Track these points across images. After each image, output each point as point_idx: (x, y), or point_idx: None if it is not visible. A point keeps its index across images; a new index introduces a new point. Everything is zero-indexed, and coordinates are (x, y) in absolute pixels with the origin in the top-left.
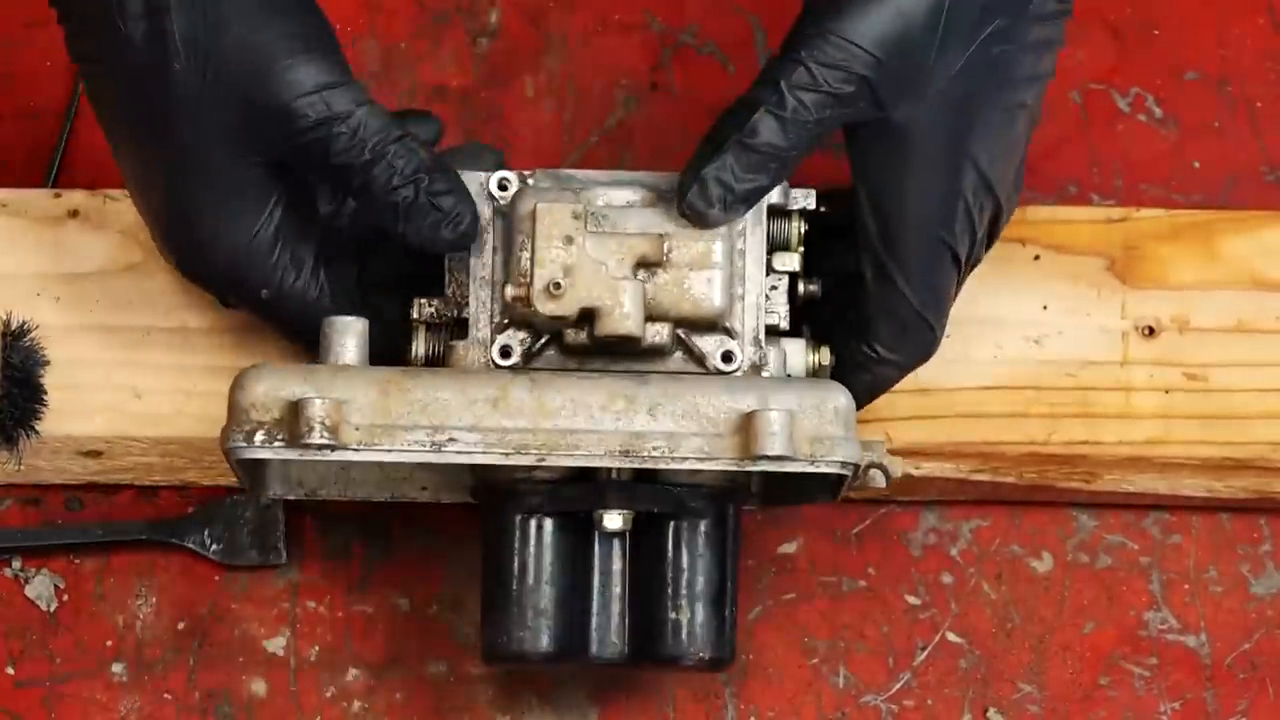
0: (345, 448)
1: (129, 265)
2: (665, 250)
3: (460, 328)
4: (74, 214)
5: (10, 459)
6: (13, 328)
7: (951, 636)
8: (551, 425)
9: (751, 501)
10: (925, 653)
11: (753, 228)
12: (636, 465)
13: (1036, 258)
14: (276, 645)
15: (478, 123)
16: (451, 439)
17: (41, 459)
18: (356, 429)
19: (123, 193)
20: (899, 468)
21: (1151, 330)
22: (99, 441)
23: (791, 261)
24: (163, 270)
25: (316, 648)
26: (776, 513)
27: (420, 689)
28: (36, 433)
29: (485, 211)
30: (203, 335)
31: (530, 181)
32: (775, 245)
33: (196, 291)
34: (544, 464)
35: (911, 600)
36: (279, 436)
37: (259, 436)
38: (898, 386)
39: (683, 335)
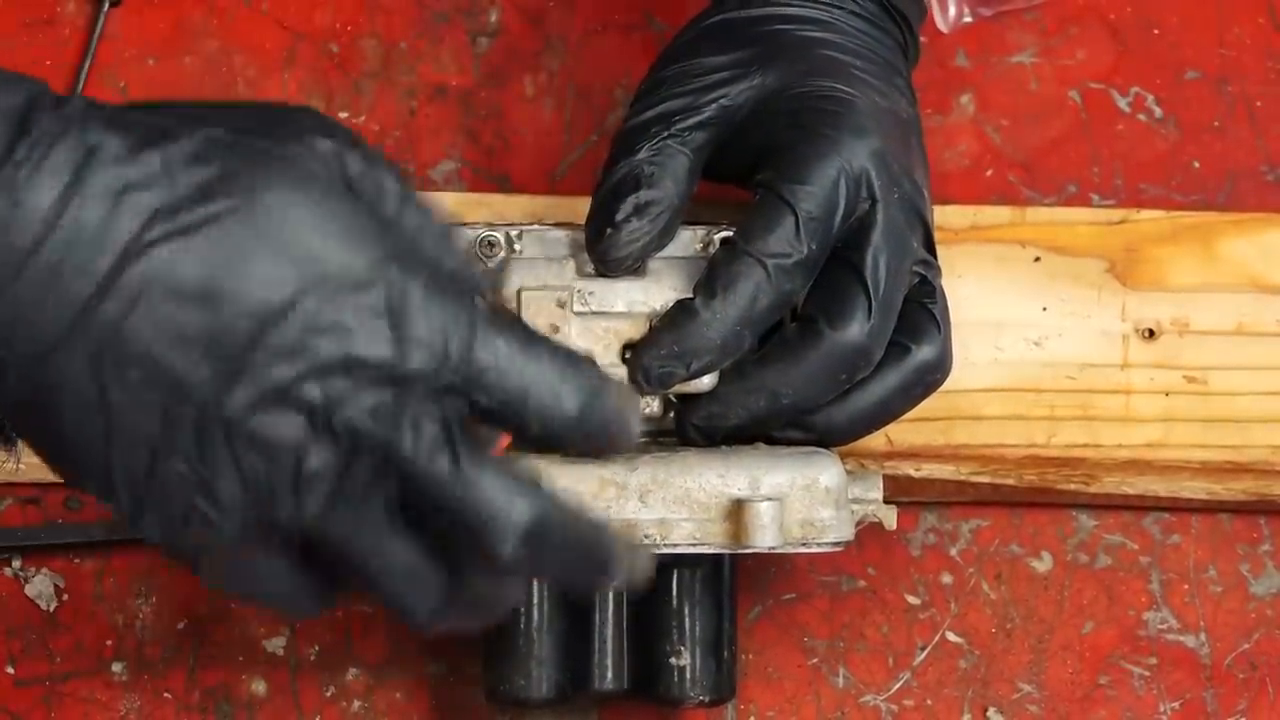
0: None
1: None
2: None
3: None
4: None
5: (10, 458)
6: None
7: (951, 636)
8: None
9: None
10: (925, 653)
11: None
12: None
13: (1037, 259)
14: (276, 645)
15: (477, 122)
16: None
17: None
18: None
19: None
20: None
21: (1152, 333)
22: None
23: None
24: None
25: (316, 648)
26: None
27: (420, 689)
28: None
29: None
30: None
31: (517, 247)
32: None
33: None
34: None
35: (911, 600)
36: None
37: None
38: None
39: (673, 399)
